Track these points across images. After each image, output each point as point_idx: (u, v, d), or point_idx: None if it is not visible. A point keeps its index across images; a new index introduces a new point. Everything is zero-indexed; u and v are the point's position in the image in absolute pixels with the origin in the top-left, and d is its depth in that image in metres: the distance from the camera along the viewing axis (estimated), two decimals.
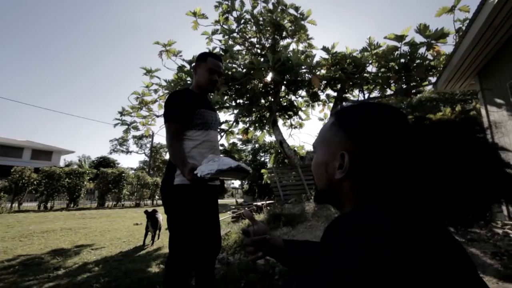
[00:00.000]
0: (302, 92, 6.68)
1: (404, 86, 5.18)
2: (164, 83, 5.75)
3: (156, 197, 16.76)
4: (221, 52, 5.91)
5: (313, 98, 6.41)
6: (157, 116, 6.34)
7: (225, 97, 6.19)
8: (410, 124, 0.49)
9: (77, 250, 3.63)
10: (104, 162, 32.80)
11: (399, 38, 4.40)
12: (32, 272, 2.70)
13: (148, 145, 34.54)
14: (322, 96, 6.51)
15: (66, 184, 12.28)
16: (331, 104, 6.57)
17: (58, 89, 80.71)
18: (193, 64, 1.70)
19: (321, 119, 7.40)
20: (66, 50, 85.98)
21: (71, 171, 12.82)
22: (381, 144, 0.47)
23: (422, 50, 4.54)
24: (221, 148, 6.45)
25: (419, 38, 4.52)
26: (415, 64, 4.75)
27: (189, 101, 1.48)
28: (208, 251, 1.45)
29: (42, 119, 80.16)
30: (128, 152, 35.50)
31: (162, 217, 4.07)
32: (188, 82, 5.32)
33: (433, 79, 5.00)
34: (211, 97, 5.03)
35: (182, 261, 1.36)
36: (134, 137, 34.21)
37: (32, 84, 79.30)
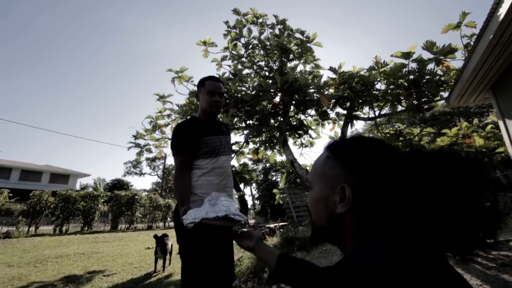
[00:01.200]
0: (312, 111, 6.71)
1: (415, 102, 5.11)
2: (176, 108, 5.96)
3: (168, 219, 16.71)
4: (230, 76, 6.12)
5: (323, 116, 6.42)
6: (169, 139, 6.48)
7: (235, 119, 6.31)
8: (405, 154, 0.49)
9: (89, 277, 3.60)
10: (118, 185, 33.38)
11: (406, 55, 4.41)
12: None
13: (161, 167, 35.12)
14: (332, 115, 6.52)
15: (81, 207, 12.52)
16: (341, 122, 6.54)
17: (72, 112, 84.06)
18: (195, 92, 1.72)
19: (331, 137, 7.33)
20: (79, 74, 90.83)
21: (86, 194, 13.11)
22: (383, 174, 0.46)
23: (431, 66, 4.52)
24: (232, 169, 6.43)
25: (426, 55, 4.52)
26: (424, 80, 4.71)
27: (193, 131, 1.48)
28: (222, 282, 1.40)
29: (59, 141, 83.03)
30: (141, 174, 36.13)
31: (171, 241, 4.02)
32: None
33: (445, 94, 4.92)
34: (221, 119, 5.13)
35: None
36: (147, 159, 34.91)
37: (46, 107, 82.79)
